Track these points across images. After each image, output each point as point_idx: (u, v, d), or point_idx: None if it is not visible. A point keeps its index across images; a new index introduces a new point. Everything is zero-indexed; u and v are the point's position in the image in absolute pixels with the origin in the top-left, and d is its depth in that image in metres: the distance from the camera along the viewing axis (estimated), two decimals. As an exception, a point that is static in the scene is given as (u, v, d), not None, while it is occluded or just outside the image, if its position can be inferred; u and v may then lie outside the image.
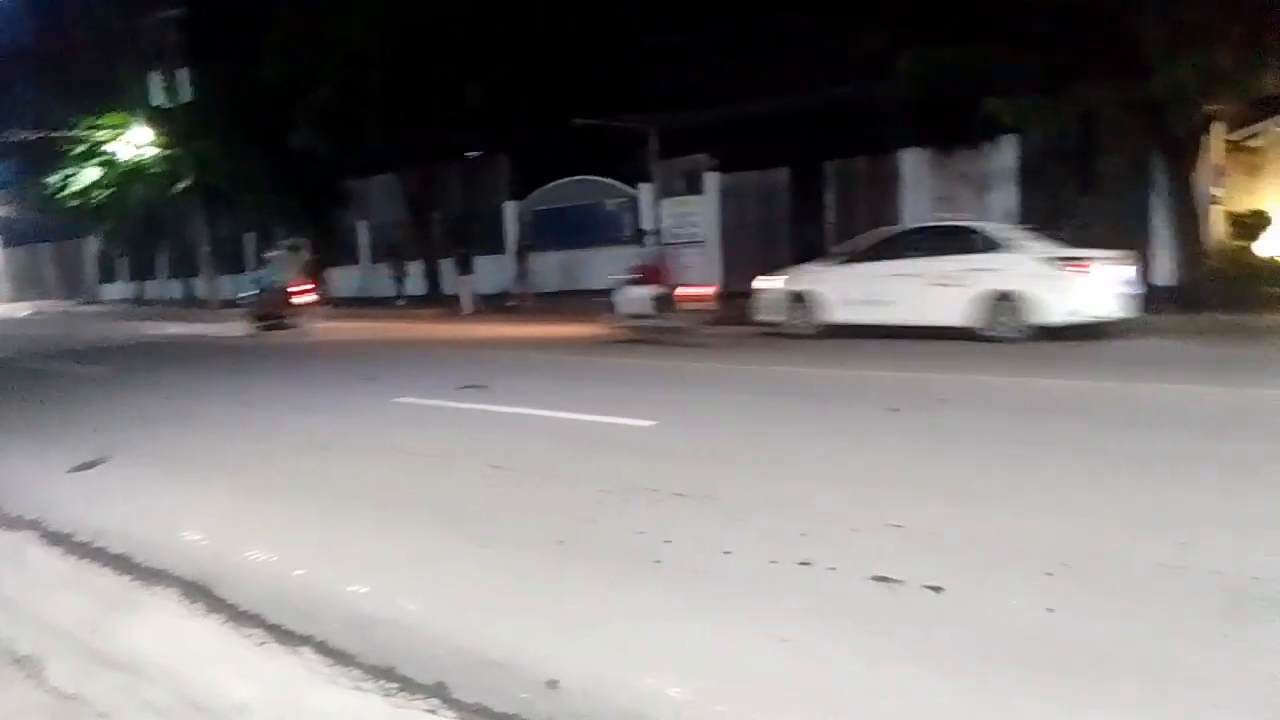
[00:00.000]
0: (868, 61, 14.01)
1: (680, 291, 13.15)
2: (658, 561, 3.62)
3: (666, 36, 19.54)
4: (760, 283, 13.56)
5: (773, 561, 3.53)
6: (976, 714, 2.36)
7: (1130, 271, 11.18)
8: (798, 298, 12.83)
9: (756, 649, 2.79)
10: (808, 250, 18.48)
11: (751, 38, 18.15)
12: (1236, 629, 2.75)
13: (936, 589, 3.17)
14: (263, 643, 3.04)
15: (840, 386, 8.25)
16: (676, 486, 4.70)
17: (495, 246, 23.23)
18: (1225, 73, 10.81)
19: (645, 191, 20.77)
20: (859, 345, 11.29)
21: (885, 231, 13.19)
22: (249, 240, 31.86)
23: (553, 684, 2.62)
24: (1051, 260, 10.73)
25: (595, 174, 21.69)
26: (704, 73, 19.17)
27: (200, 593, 3.56)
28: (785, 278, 13.23)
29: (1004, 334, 10.80)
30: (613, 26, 20.16)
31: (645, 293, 13.07)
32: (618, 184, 21.41)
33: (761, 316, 13.28)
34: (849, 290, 12.21)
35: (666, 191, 20.56)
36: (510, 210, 23.47)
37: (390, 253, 25.06)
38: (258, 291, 18.31)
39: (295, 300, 17.79)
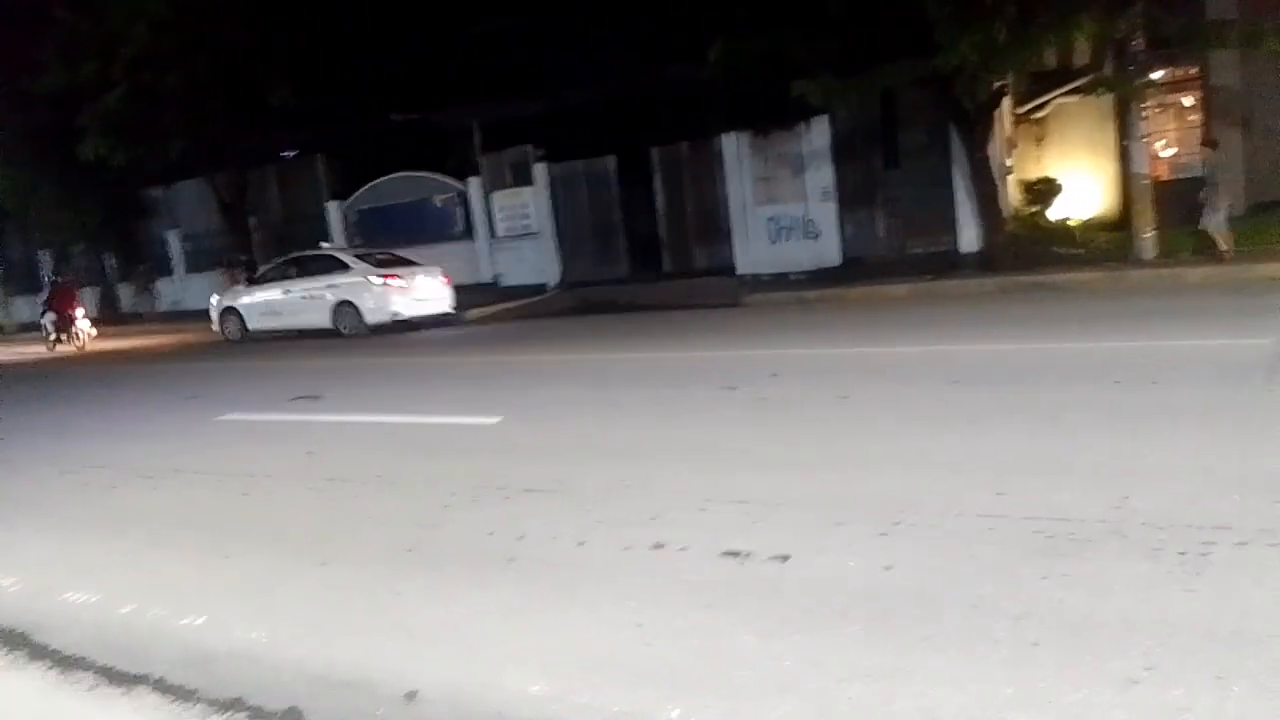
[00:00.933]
0: (681, 48, 14.36)
1: (73, 315, 18.82)
2: (511, 560, 3.60)
3: (484, 24, 19.31)
4: (212, 299, 17.65)
5: (626, 548, 3.57)
6: (819, 672, 2.47)
7: (442, 281, 15.65)
8: (230, 311, 16.74)
9: (614, 637, 2.82)
10: (640, 236, 18.81)
11: (568, 25, 18.17)
12: (1050, 568, 2.99)
13: (783, 558, 3.29)
14: (94, 687, 2.84)
15: (605, 371, 8.44)
16: (526, 482, 4.68)
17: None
18: (1003, 48, 11.67)
19: (474, 185, 20.47)
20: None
21: (281, 259, 17.21)
22: (45, 259, 29.47)
23: (411, 696, 2.57)
24: (374, 277, 14.86)
25: (422, 169, 21.16)
26: (524, 62, 19.07)
27: (19, 641, 3.28)
28: (222, 297, 17.33)
29: (350, 331, 14.93)
30: (426, 17, 19.74)
31: (52, 317, 19.08)
32: (444, 179, 20.97)
33: (214, 327, 17.14)
34: (260, 305, 16.26)
35: (495, 184, 20.33)
36: (334, 211, 22.60)
37: (227, 263, 23.51)
38: None
39: None
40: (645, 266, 18.62)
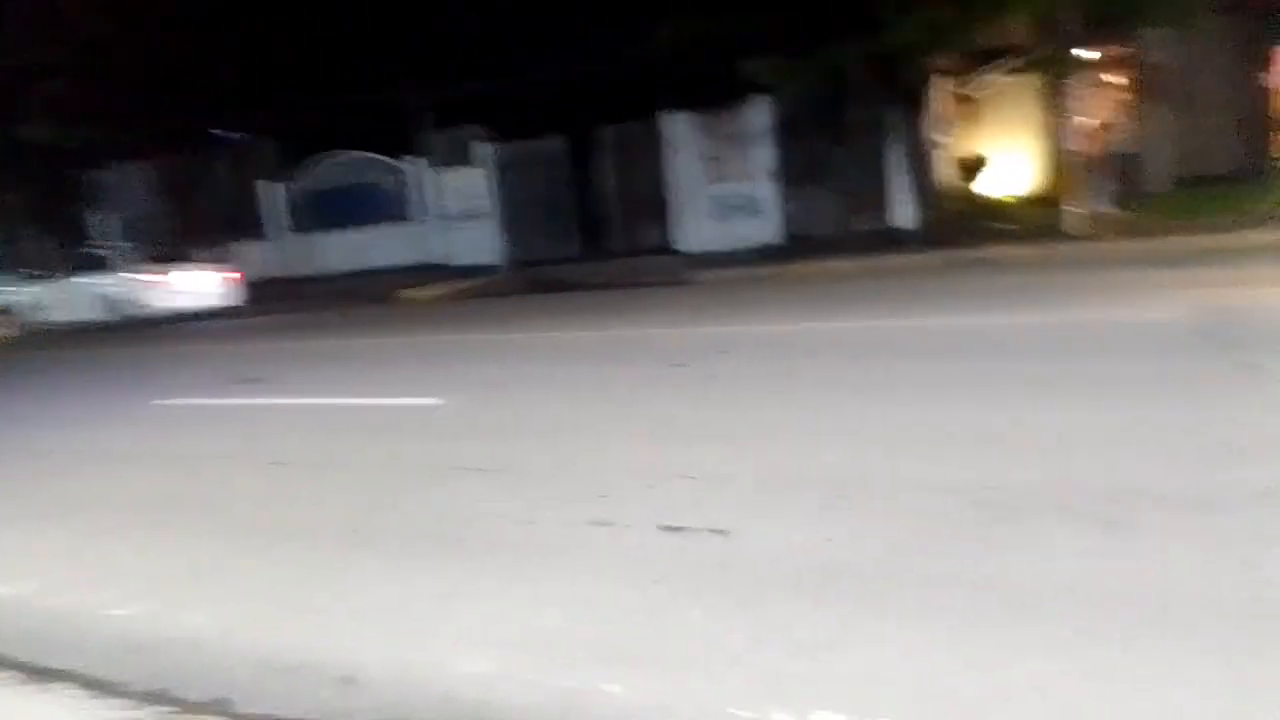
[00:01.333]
0: (630, 29, 14.31)
1: None
2: (459, 540, 3.57)
3: (436, 5, 19.01)
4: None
5: (573, 525, 3.57)
6: (764, 645, 2.49)
7: (217, 277, 17.09)
8: (20, 305, 18.01)
9: (561, 614, 2.81)
10: (588, 216, 18.72)
11: (520, 6, 17.96)
12: (991, 538, 3.05)
13: (729, 533, 3.31)
14: (16, 684, 2.74)
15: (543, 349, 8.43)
16: (472, 461, 4.65)
17: (260, 231, 21.89)
18: (947, 27, 11.80)
19: (423, 166, 20.17)
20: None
21: (62, 254, 18.79)
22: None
23: (350, 680, 2.53)
24: (136, 276, 16.27)
25: (370, 150, 20.77)
26: (475, 43, 18.84)
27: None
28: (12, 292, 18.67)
29: (117, 323, 16.15)
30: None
31: None
32: (391, 159, 20.62)
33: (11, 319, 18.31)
34: (43, 299, 17.50)
35: (445, 164, 20.05)
36: (270, 192, 22.09)
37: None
38: None
39: None
40: (594, 245, 18.56)
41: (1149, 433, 4.03)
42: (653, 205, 18.02)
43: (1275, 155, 14.79)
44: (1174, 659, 2.22)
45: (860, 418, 4.81)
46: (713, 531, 3.33)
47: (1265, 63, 15.15)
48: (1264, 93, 15.26)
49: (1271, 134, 15.20)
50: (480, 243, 19.52)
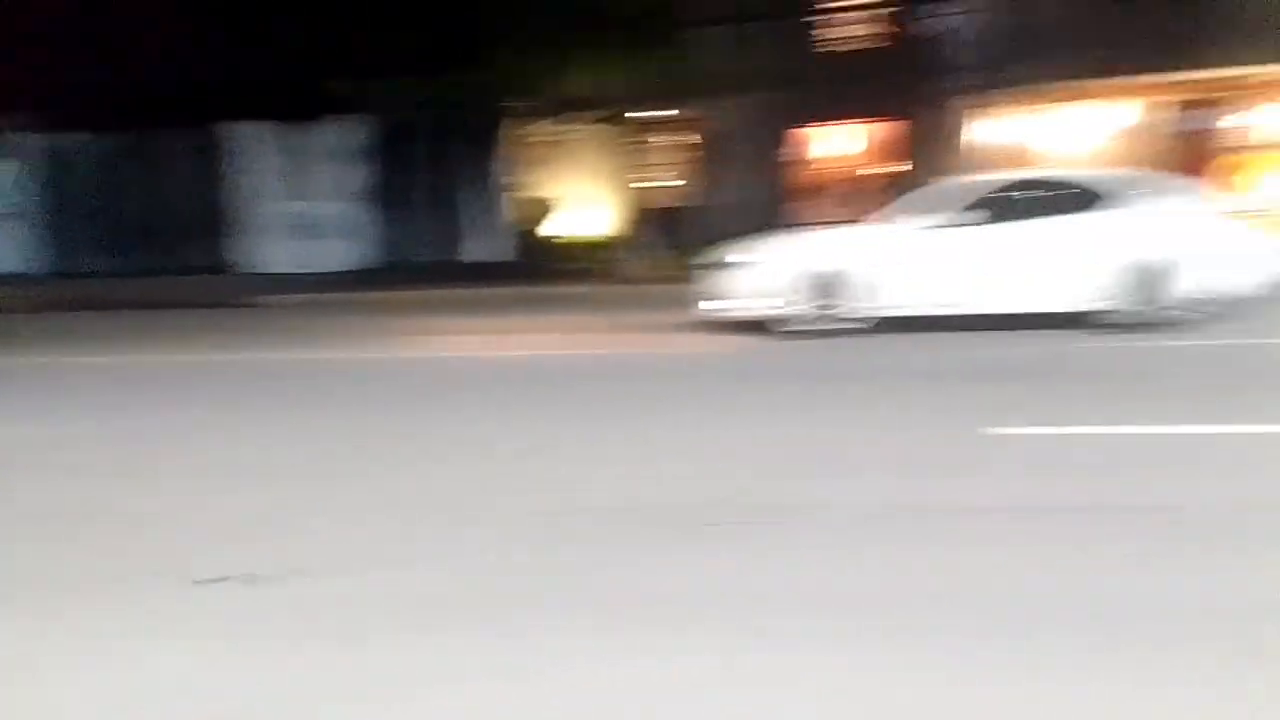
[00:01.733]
0: (215, 30, 13.49)
1: None
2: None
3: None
4: None
5: (117, 580, 3.17)
6: (328, 687, 2.39)
7: None
8: None
9: (97, 677, 2.51)
10: (148, 228, 16.94)
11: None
12: (608, 551, 3.32)
13: (307, 570, 3.17)
14: None
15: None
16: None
17: None
18: (533, 73, 12.74)
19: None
20: None
21: None
22: None
23: None
24: None
25: None
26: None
27: None
28: None
29: None
30: None
31: None
32: None
33: None
34: None
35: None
36: None
37: None
38: None
39: None
40: (154, 259, 16.76)
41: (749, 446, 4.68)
42: (224, 219, 16.82)
43: (793, 221, 17.59)
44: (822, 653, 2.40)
45: (441, 434, 5.10)
46: (307, 571, 3.17)
47: (783, 141, 18.06)
48: (781, 167, 18.16)
49: (787, 202, 18.09)
50: (3, 248, 16.78)
